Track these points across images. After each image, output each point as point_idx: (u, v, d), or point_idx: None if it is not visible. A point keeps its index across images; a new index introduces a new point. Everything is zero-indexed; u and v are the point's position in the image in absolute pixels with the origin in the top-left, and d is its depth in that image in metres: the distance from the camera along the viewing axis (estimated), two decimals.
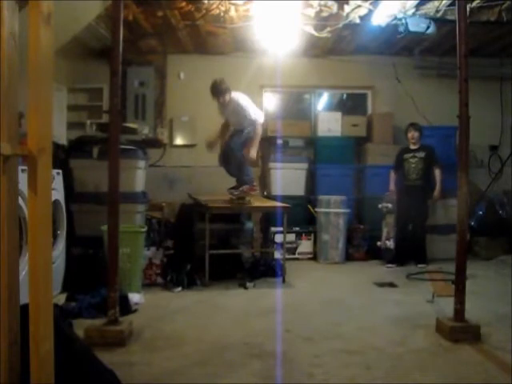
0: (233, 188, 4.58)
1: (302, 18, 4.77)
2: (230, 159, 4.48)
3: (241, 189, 4.48)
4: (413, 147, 5.38)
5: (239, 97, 4.41)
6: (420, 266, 5.10)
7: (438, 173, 5.28)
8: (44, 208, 1.41)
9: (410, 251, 5.25)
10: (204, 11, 4.68)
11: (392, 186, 5.43)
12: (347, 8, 4.54)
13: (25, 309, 1.41)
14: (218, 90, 4.31)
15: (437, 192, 5.27)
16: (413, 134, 5.35)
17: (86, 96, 6.10)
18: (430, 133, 5.80)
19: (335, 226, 5.41)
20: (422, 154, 5.31)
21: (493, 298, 3.83)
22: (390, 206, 5.35)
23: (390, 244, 5.27)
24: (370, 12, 4.53)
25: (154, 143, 5.40)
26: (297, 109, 6.84)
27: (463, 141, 2.95)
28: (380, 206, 5.41)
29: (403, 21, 4.45)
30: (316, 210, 5.62)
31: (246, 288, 4.17)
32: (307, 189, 5.93)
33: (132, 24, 4.94)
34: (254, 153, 4.39)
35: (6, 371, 1.40)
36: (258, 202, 4.89)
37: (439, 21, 4.51)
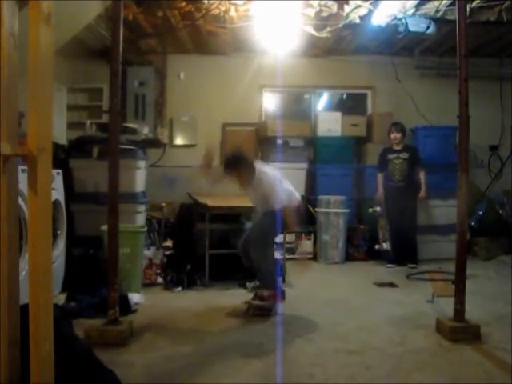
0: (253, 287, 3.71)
1: (302, 17, 4.77)
2: (252, 250, 3.40)
3: (262, 293, 3.44)
4: (396, 148, 5.32)
5: (266, 176, 3.43)
6: (410, 265, 5.09)
7: (422, 174, 5.23)
8: (44, 208, 1.41)
9: (404, 252, 5.25)
10: (204, 11, 4.67)
11: (380, 189, 5.38)
12: (347, 8, 4.54)
13: (25, 309, 1.41)
14: (232, 167, 3.42)
15: (423, 192, 5.21)
16: (395, 136, 5.28)
17: (85, 96, 6.10)
18: (429, 133, 5.81)
19: (335, 226, 5.41)
20: (405, 155, 5.26)
21: (493, 298, 3.83)
22: (378, 209, 5.34)
23: (387, 246, 5.27)
24: (370, 12, 4.53)
25: (153, 143, 5.39)
26: (297, 109, 6.84)
27: (463, 141, 2.95)
28: (370, 210, 5.41)
29: (403, 21, 4.45)
30: (316, 209, 5.62)
31: (246, 288, 4.17)
32: (307, 189, 5.92)
33: (132, 24, 4.93)
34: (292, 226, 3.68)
35: (6, 371, 1.40)
36: None
37: (439, 21, 4.51)
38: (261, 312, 3.37)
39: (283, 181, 3.58)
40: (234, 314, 3.44)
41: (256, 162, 3.55)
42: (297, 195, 3.67)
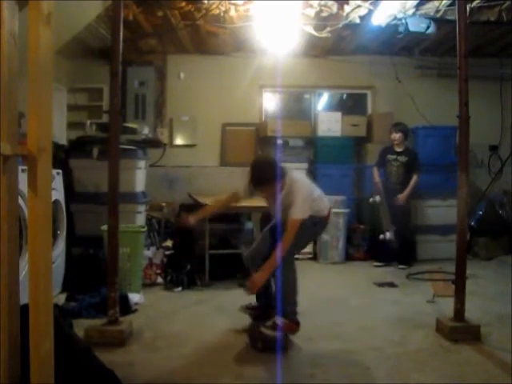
0: (257, 313, 3.11)
1: (302, 17, 4.77)
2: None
3: (275, 321, 2.77)
4: (397, 149, 5.24)
5: (301, 185, 2.90)
6: (400, 266, 5.07)
7: (414, 178, 5.11)
8: (44, 208, 1.41)
9: (398, 252, 5.20)
10: (204, 11, 4.67)
11: (376, 178, 5.27)
12: (347, 8, 4.54)
13: (25, 309, 1.41)
14: (263, 180, 2.84)
15: (403, 196, 5.08)
16: (394, 136, 5.21)
17: (85, 96, 6.10)
18: (430, 133, 5.81)
19: (335, 226, 5.40)
20: (404, 159, 5.17)
21: (493, 298, 3.83)
22: (377, 198, 5.24)
23: (391, 235, 5.11)
24: (370, 12, 4.53)
25: (153, 143, 5.39)
26: (297, 109, 6.84)
27: (463, 141, 2.96)
28: (371, 200, 5.34)
29: (403, 21, 4.45)
30: None
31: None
32: None
33: (132, 24, 4.93)
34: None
35: (6, 371, 1.40)
36: (257, 201, 4.88)
37: (439, 21, 4.51)
38: (273, 344, 2.65)
39: (314, 187, 3.12)
40: (234, 314, 3.44)
41: (285, 168, 2.98)
42: (328, 203, 3.17)
